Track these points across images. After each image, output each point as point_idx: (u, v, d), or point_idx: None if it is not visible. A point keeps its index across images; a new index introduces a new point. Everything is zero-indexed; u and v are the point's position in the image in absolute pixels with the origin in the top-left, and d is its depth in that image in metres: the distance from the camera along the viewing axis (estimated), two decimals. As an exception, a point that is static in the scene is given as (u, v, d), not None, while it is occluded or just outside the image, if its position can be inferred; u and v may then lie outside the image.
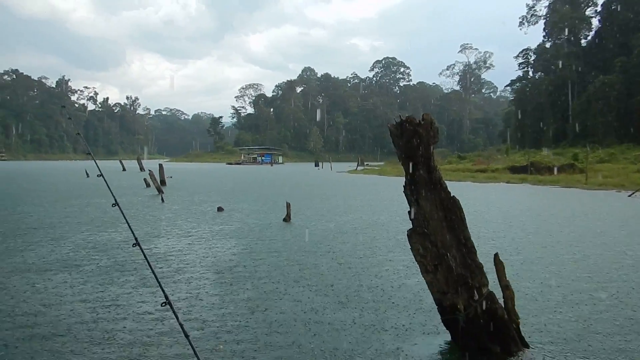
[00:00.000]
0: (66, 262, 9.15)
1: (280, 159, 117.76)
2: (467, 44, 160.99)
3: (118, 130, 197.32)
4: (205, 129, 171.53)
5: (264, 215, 16.39)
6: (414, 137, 4.74)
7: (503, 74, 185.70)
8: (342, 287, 7.41)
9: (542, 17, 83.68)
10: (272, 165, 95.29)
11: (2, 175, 46.81)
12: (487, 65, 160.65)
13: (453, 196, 4.82)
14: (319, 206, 19.18)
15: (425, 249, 4.79)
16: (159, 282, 3.22)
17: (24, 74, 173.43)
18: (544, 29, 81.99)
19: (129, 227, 3.72)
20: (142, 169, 48.39)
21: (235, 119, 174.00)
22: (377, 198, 23.42)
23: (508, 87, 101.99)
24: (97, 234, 12.45)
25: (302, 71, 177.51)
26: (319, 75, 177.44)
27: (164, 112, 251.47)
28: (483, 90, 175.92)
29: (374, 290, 7.24)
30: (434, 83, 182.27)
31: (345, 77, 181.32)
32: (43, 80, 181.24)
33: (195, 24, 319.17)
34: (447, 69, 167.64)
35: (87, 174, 40.72)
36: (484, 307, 4.69)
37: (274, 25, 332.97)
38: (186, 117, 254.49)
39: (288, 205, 15.08)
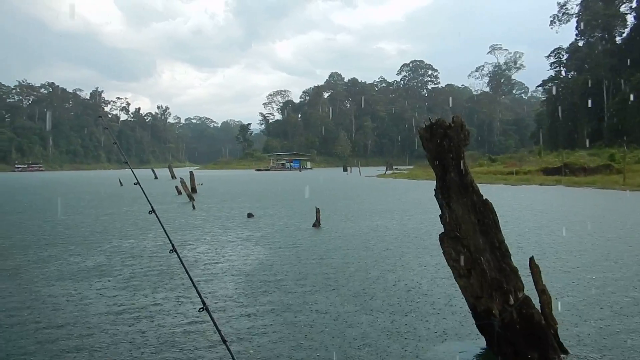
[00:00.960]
0: (102, 268, 9.34)
1: (309, 165, 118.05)
2: (497, 44, 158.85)
3: (150, 139, 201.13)
4: (234, 136, 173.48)
5: (293, 220, 16.42)
6: (445, 140, 4.68)
7: (534, 74, 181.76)
8: (372, 292, 7.35)
9: (575, 15, 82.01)
10: (300, 171, 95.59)
11: (40, 186, 48.18)
12: (517, 65, 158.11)
13: (485, 199, 4.74)
14: (348, 211, 19.13)
15: (458, 253, 4.71)
16: (196, 288, 3.24)
17: (60, 86, 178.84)
18: (577, 27, 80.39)
19: (166, 234, 3.75)
20: (173, 176, 49.16)
21: (263, 126, 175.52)
22: (407, 202, 23.24)
23: (540, 88, 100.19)
24: (132, 240, 12.67)
25: (329, 76, 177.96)
26: (346, 80, 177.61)
27: (193, 121, 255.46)
28: (514, 91, 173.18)
29: (404, 295, 7.16)
30: (462, 85, 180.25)
31: (372, 81, 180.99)
32: (78, 93, 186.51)
33: (224, 33, 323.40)
34: (476, 71, 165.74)
35: (121, 183, 41.67)
36: (519, 312, 4.58)
37: (300, 32, 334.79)
38: (215, 124, 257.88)
39: (317, 211, 15.08)
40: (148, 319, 6.24)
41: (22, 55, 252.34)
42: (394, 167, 78.35)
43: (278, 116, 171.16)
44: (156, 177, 56.18)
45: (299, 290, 7.55)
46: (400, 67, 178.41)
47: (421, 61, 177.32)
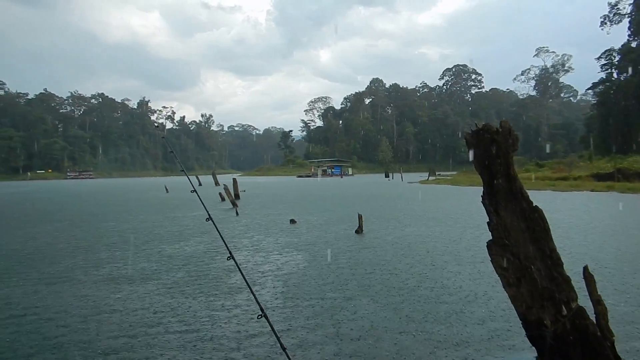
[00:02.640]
0: (153, 274, 9.56)
1: (350, 171, 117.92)
2: (543, 47, 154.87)
3: (194, 147, 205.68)
4: (276, 142, 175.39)
5: (336, 227, 16.41)
6: (492, 146, 4.57)
7: (584, 76, 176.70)
8: (416, 300, 7.25)
9: (627, 15, 78.96)
10: (342, 177, 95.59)
11: (89, 192, 49.91)
12: (565, 68, 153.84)
13: (535, 206, 4.60)
14: (390, 217, 18.97)
15: (507, 261, 4.58)
16: (254, 295, 3.26)
17: (109, 97, 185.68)
18: (629, 28, 77.37)
19: (223, 241, 3.81)
20: (217, 183, 49.98)
21: (304, 132, 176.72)
22: (450, 209, 22.87)
23: (590, 91, 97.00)
24: (182, 246, 12.93)
25: (371, 82, 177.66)
26: (387, 85, 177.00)
27: (236, 128, 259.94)
28: (562, 95, 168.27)
29: (448, 304, 7.03)
30: (508, 89, 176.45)
31: (414, 87, 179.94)
32: (126, 102, 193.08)
33: (266, 41, 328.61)
34: (522, 74, 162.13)
35: (167, 190, 42.72)
36: (573, 323, 4.41)
37: (342, 39, 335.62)
38: (257, 132, 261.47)
39: (360, 217, 15.02)
40: (204, 325, 6.30)
41: (74, 68, 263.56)
42: (437, 173, 77.33)
43: (319, 123, 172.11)
44: (200, 184, 57.15)
45: (344, 296, 7.52)
46: (443, 72, 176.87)
47: (464, 65, 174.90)
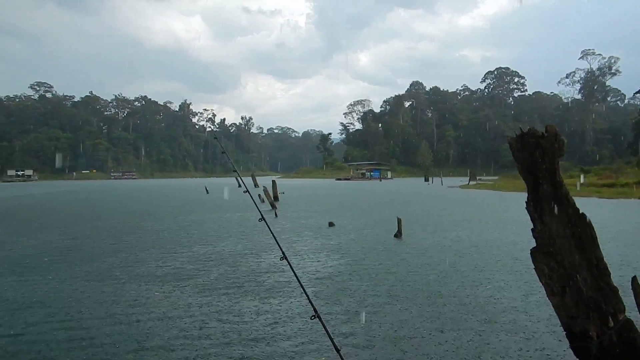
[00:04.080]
0: (196, 273, 9.76)
1: (389, 174, 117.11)
2: (589, 49, 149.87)
3: (234, 149, 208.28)
4: (315, 145, 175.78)
5: (375, 230, 16.34)
6: (537, 150, 4.47)
7: (632, 80, 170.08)
8: (457, 307, 7.15)
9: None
10: (380, 181, 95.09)
11: (132, 192, 51.24)
12: (612, 71, 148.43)
13: (582, 213, 4.47)
14: (430, 222, 18.76)
15: (551, 269, 4.47)
16: (307, 296, 3.28)
17: (152, 99, 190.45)
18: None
19: (276, 241, 3.85)
20: (256, 185, 50.50)
21: (343, 135, 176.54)
22: (491, 214, 22.44)
23: (638, 94, 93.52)
24: (227, 245, 13.14)
25: (410, 85, 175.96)
26: (427, 88, 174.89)
27: (275, 131, 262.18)
28: (608, 99, 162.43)
29: (487, 311, 6.90)
30: (552, 92, 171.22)
31: (455, 90, 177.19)
32: (168, 105, 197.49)
33: (305, 45, 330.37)
34: (567, 77, 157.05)
35: (207, 191, 43.44)
36: (620, 336, 4.27)
37: (381, 41, 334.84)
38: (296, 134, 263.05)
39: (399, 221, 14.92)
40: (256, 326, 6.37)
41: (119, 71, 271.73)
42: (478, 178, 75.94)
43: (358, 126, 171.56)
44: (240, 185, 57.93)
45: (381, 301, 7.49)
46: (485, 75, 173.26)
47: (507, 68, 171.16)
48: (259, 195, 30.33)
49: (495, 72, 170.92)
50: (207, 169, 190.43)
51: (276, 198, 30.31)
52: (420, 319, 6.58)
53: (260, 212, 4.15)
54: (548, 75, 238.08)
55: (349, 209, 25.85)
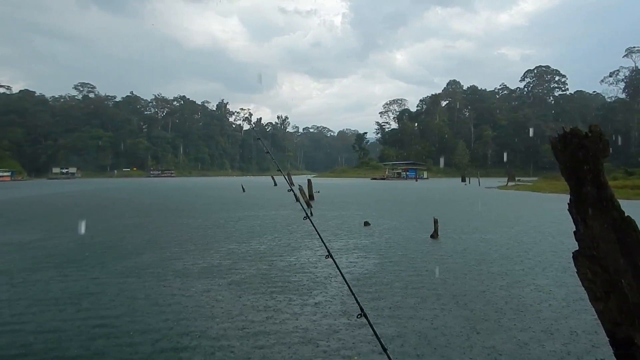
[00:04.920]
0: (229, 270, 9.89)
1: (425, 174, 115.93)
2: (634, 47, 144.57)
3: (269, 148, 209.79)
4: (350, 145, 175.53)
5: (410, 231, 16.21)
6: (580, 151, 4.35)
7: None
8: (496, 311, 7.03)
9: None
10: (416, 181, 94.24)
11: (171, 190, 52.28)
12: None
13: (628, 216, 4.32)
14: (467, 223, 18.47)
15: (595, 273, 4.34)
16: (353, 294, 3.29)
17: (190, 99, 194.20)
18: None
19: (321, 239, 3.88)
20: (291, 184, 50.78)
21: (379, 135, 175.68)
22: (531, 216, 21.94)
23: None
24: (266, 242, 13.28)
25: (447, 84, 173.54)
26: (464, 87, 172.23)
27: (311, 130, 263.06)
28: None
29: (525, 315, 6.76)
30: (594, 92, 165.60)
31: (493, 89, 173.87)
32: (206, 105, 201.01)
33: (341, 44, 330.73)
34: (610, 76, 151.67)
35: (243, 189, 43.95)
36: (668, 343, 4.10)
37: (418, 40, 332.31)
38: (332, 133, 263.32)
39: (435, 222, 14.75)
40: (301, 324, 6.42)
41: (158, 72, 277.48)
42: (516, 179, 74.34)
43: (394, 125, 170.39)
44: (275, 184, 58.42)
45: (420, 301, 7.43)
46: (524, 74, 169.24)
47: (547, 67, 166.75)
48: (294, 195, 30.51)
49: (535, 71, 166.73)
50: (243, 167, 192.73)
51: (311, 197, 30.42)
52: (457, 321, 6.51)
53: (305, 210, 4.17)
54: (590, 73, 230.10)
55: (385, 209, 25.71)
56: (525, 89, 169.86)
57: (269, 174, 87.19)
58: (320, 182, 66.30)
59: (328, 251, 3.72)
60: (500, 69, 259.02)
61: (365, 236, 14.98)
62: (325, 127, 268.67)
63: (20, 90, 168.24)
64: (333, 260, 3.65)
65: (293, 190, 4.64)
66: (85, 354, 5.39)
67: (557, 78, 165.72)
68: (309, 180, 34.02)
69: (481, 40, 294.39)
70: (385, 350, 3.13)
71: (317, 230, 3.90)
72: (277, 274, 9.56)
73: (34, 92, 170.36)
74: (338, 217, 20.90)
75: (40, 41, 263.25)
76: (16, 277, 9.25)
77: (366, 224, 17.70)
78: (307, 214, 4.13)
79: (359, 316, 3.24)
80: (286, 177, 5.02)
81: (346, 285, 3.32)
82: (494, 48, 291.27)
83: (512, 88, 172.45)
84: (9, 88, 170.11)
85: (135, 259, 11.12)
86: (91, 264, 10.60)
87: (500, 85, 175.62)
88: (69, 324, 6.43)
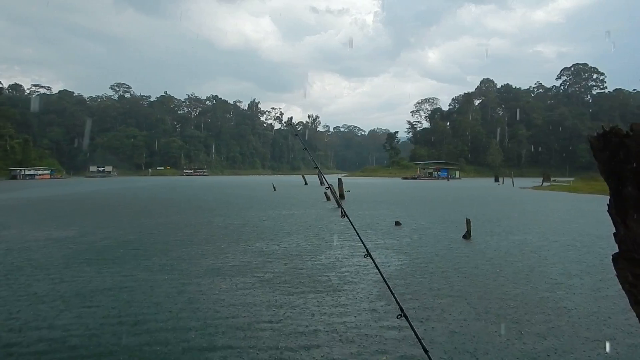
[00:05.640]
0: (258, 268, 9.98)
1: (457, 174, 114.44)
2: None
3: (300, 147, 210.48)
4: (381, 144, 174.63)
5: (442, 231, 16.04)
6: (621, 150, 4.21)
7: None
8: (534, 314, 6.90)
9: None
10: (448, 180, 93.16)
11: (204, 188, 52.99)
12: None
13: (671, 217, 4.17)
14: (500, 224, 18.17)
15: (636, 277, 4.20)
16: (393, 294, 3.27)
17: (222, 98, 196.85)
18: None
19: (360, 239, 3.87)
20: (322, 183, 50.90)
21: (410, 134, 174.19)
22: (568, 217, 21.44)
23: None
24: (302, 241, 13.34)
25: (481, 83, 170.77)
26: (498, 86, 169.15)
27: (342, 129, 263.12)
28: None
29: (560, 318, 6.62)
30: (634, 90, 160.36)
31: (528, 87, 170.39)
32: (237, 104, 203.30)
33: (373, 43, 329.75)
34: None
35: (274, 188, 44.26)
36: None
37: (451, 38, 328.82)
38: (363, 133, 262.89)
39: (468, 222, 14.56)
40: (341, 324, 6.41)
41: (192, 72, 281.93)
42: (552, 179, 72.70)
43: (426, 124, 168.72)
44: (306, 183, 58.67)
45: (464, 303, 7.36)
46: (560, 71, 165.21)
47: (584, 64, 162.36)
48: (325, 194, 30.55)
49: (572, 69, 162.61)
50: (274, 166, 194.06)
51: (342, 196, 30.39)
52: (489, 322, 6.43)
53: (342, 209, 4.16)
54: (630, 71, 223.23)
55: (416, 209, 25.49)
56: (562, 87, 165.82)
57: (300, 173, 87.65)
58: (351, 182, 66.20)
59: (367, 250, 3.70)
60: (536, 67, 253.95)
61: (396, 236, 14.89)
62: (356, 127, 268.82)
63: (60, 91, 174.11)
64: (372, 259, 3.62)
65: (331, 188, 4.65)
66: (118, 350, 5.52)
67: (595, 76, 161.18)
68: (339, 179, 34.03)
69: (516, 37, 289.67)
70: (426, 351, 3.09)
71: (355, 229, 3.89)
72: (308, 272, 9.60)
73: (73, 93, 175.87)
74: (369, 217, 20.82)
75: (79, 43, 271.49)
76: (53, 272, 9.54)
77: (397, 223, 17.60)
78: (344, 212, 4.12)
79: (399, 317, 3.21)
80: (323, 176, 5.04)
81: (384, 283, 3.29)
82: (529, 45, 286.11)
83: (548, 86, 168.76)
84: (49, 89, 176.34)
85: (167, 256, 11.32)
86: (124, 260, 10.85)
87: (535, 84, 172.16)
88: (102, 319, 6.59)
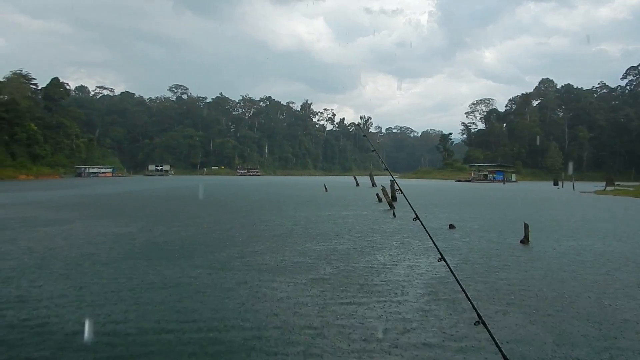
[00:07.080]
0: (308, 268, 9.98)
1: (513, 177, 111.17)
2: None
3: (352, 148, 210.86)
4: (434, 145, 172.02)
5: (498, 235, 15.55)
6: None
7: None
8: (587, 319, 6.56)
9: None
10: (504, 183, 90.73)
11: (257, 188, 53.76)
12: None
13: None
14: (560, 229, 17.42)
15: None
16: (469, 299, 3.19)
17: (275, 99, 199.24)
18: None
19: (433, 242, 3.81)
20: (373, 184, 50.55)
21: (464, 135, 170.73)
22: (632, 225, 20.35)
23: None
24: (369, 243, 13.29)
25: (540, 83, 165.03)
26: (558, 86, 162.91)
27: (394, 130, 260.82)
28: None
29: (617, 329, 6.25)
30: None
31: (590, 88, 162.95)
32: (290, 105, 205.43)
33: (427, 43, 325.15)
34: None
35: (326, 189, 44.34)
36: None
37: (508, 38, 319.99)
38: (415, 134, 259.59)
39: (526, 227, 14.05)
40: (418, 330, 6.28)
41: (247, 73, 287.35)
42: (616, 183, 69.40)
43: (481, 125, 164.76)
44: (357, 184, 58.46)
45: (524, 311, 7.09)
46: (626, 71, 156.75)
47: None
48: (377, 195, 30.31)
49: (639, 68, 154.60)
50: (325, 167, 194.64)
51: (394, 198, 30.04)
52: (551, 331, 6.14)
53: (414, 212, 4.07)
54: None
55: (471, 212, 24.88)
56: (627, 87, 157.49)
57: (352, 174, 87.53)
58: (403, 183, 65.33)
59: (441, 254, 3.60)
60: (599, 66, 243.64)
61: (450, 239, 14.54)
62: (409, 128, 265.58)
63: (122, 92, 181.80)
64: (446, 263, 3.51)
65: (402, 193, 4.55)
66: (175, 345, 5.62)
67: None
68: (391, 181, 33.66)
69: (578, 36, 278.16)
70: (506, 359, 2.94)
71: (427, 232, 3.81)
72: (359, 273, 9.50)
73: (134, 94, 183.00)
74: (422, 219, 20.38)
75: (140, 46, 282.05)
76: (111, 267, 9.86)
77: (451, 226, 17.21)
78: (416, 214, 4.03)
79: (476, 323, 3.10)
80: (392, 175, 4.93)
81: (452, 288, 3.17)
82: (593, 44, 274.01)
83: (612, 86, 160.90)
84: (112, 90, 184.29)
85: (220, 254, 11.49)
86: (179, 257, 11.09)
87: (598, 84, 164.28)
88: (159, 314, 6.73)
